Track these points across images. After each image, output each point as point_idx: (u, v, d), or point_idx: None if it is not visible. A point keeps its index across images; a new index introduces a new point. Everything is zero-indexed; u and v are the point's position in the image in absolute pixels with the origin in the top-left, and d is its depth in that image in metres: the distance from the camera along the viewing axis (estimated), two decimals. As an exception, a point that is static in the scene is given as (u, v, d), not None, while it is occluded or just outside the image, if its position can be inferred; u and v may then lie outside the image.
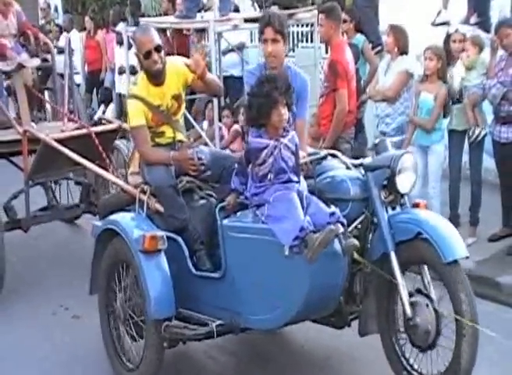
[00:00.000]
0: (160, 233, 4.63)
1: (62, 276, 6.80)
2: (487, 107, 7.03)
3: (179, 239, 4.78)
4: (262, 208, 4.30)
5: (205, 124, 9.77)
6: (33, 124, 7.06)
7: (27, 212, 6.53)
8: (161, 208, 4.90)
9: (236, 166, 4.67)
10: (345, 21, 7.71)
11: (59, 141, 6.09)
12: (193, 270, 4.71)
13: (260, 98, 4.29)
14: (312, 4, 10.05)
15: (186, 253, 4.74)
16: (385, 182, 4.44)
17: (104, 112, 12.22)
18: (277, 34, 4.89)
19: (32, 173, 6.35)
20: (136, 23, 11.05)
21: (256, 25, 9.36)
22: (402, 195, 4.48)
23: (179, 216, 4.84)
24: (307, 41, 10.59)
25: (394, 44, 7.19)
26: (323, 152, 4.71)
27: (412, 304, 4.27)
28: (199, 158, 4.84)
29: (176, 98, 5.07)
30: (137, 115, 4.91)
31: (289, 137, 4.38)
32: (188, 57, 10.83)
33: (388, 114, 7.16)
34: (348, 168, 4.68)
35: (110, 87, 12.85)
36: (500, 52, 7.01)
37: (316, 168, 4.62)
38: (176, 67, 5.04)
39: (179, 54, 10.50)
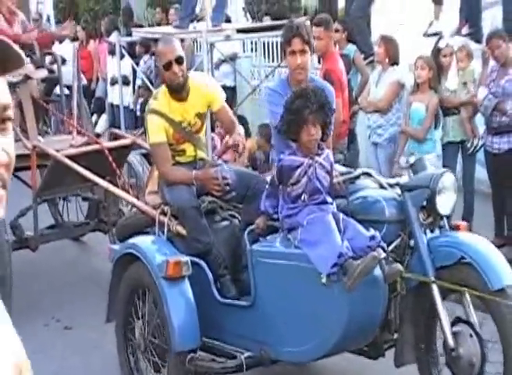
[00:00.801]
0: (184, 258, 4.32)
1: (65, 293, 6.55)
2: (479, 118, 7.09)
3: (203, 264, 4.46)
4: (295, 231, 4.00)
5: None
6: (40, 138, 6.75)
7: (35, 230, 6.20)
8: (183, 231, 4.59)
9: (264, 186, 4.42)
10: (337, 31, 7.69)
11: (70, 157, 5.77)
12: (219, 297, 4.39)
13: (290, 115, 4.03)
14: (305, 14, 10.05)
15: (211, 279, 4.43)
16: (423, 203, 4.14)
17: (96, 123, 11.93)
18: (305, 45, 4.60)
19: (41, 190, 6.03)
20: (129, 34, 11.05)
21: (248, 35, 9.65)
22: (441, 217, 4.19)
23: (203, 239, 4.53)
24: None
25: (385, 55, 7.18)
26: (357, 171, 4.41)
27: (454, 334, 3.97)
28: (223, 178, 4.52)
29: (200, 116, 4.77)
30: (157, 131, 4.61)
31: (324, 156, 4.09)
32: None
33: (380, 125, 7.12)
34: (382, 187, 4.38)
35: (102, 98, 12.54)
36: (492, 63, 7.04)
37: (348, 187, 4.32)
38: (203, 87, 4.75)
39: None
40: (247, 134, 9.02)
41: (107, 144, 6.03)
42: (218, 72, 10.52)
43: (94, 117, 12.43)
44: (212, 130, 8.84)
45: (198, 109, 4.75)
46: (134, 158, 6.53)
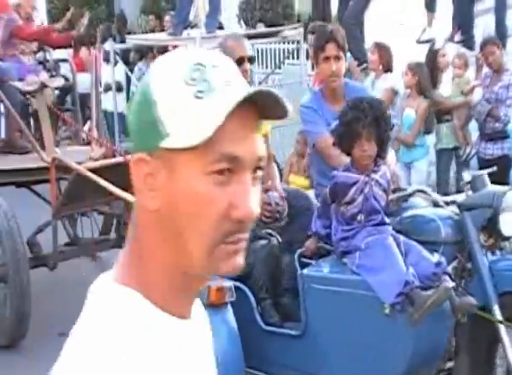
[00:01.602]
0: (227, 283, 3.95)
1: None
2: (473, 124, 7.11)
3: (245, 287, 4.10)
4: (352, 255, 3.64)
5: None
6: (57, 150, 6.39)
7: (55, 247, 5.81)
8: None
9: (308, 203, 4.19)
10: None
11: (93, 170, 5.39)
12: (263, 324, 4.03)
13: (342, 127, 3.69)
14: (298, 21, 10.13)
15: (254, 304, 4.07)
16: (484, 223, 3.79)
17: (90, 130, 11.66)
18: (340, 51, 4.27)
19: (61, 206, 5.65)
20: (123, 40, 11.01)
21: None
22: (503, 238, 3.84)
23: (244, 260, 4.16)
24: (293, 58, 10.44)
25: (379, 62, 7.24)
26: (411, 188, 4.06)
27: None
28: (276, 204, 4.16)
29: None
30: None
31: (380, 173, 3.74)
32: None
33: None
34: (437, 205, 4.03)
35: None
36: (485, 70, 7.13)
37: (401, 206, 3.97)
38: None
39: None
40: None
41: (130, 156, 5.63)
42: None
43: (88, 124, 12.20)
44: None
45: None
46: None
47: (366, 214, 3.67)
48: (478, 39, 8.32)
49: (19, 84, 6.66)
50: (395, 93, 7.14)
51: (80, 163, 5.63)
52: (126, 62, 10.76)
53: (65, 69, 8.09)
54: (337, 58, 4.23)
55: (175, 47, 10.23)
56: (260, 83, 10.19)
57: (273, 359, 4.02)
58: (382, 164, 3.77)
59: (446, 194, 6.70)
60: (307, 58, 7.80)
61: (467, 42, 9.00)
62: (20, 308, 5.42)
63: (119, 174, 5.41)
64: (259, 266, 4.23)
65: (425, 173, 7.06)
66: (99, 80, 7.52)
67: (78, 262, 6.43)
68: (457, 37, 9.19)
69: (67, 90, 7.75)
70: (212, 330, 3.72)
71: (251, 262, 4.17)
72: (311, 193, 4.53)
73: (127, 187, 5.33)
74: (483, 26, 9.29)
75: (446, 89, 7.28)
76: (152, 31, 11.89)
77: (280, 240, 4.38)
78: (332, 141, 4.20)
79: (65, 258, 6.00)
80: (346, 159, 4.13)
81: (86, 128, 10.66)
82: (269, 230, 4.45)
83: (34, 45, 7.70)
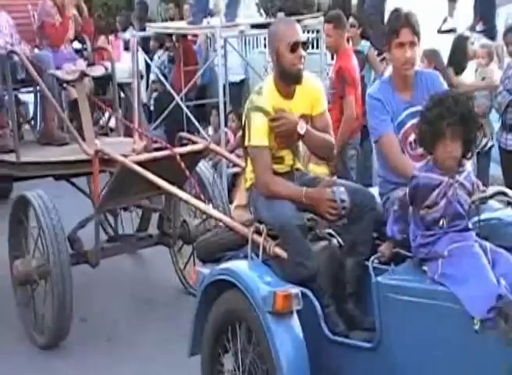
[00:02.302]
0: (294, 290, 3.64)
1: (123, 311, 5.94)
2: (494, 115, 6.98)
3: (310, 294, 3.79)
4: (433, 263, 3.31)
5: (210, 130, 9.58)
6: (96, 141, 6.10)
7: (97, 244, 5.53)
8: (283, 254, 3.92)
9: (373, 202, 3.88)
10: (353, 26, 7.62)
11: (139, 163, 5.09)
12: (329, 334, 3.72)
13: (425, 124, 3.38)
14: (318, 10, 9.85)
15: (319, 312, 3.74)
16: None
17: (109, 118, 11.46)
18: (415, 36, 3.95)
19: (105, 200, 5.36)
20: (143, 29, 10.81)
21: (262, 31, 9.24)
22: None
23: (308, 265, 3.85)
24: (312, 47, 10.21)
25: None
26: (492, 189, 3.72)
27: None
28: (341, 201, 3.84)
29: (305, 118, 4.11)
30: (262, 133, 3.93)
31: (465, 174, 3.41)
32: (194, 63, 10.70)
33: None
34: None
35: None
36: (507, 60, 6.99)
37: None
38: (310, 85, 4.12)
39: (185, 59, 10.23)
40: None
41: (178, 149, 5.33)
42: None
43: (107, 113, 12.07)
44: (225, 124, 8.77)
45: (304, 110, 4.09)
46: (203, 166, 5.84)
47: (449, 219, 3.34)
48: (500, 29, 8.26)
49: (58, 73, 6.36)
50: None
51: (124, 156, 5.34)
52: (146, 51, 10.64)
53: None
54: (412, 44, 3.93)
55: (194, 35, 10.25)
56: None
57: (341, 373, 3.71)
58: (467, 164, 3.44)
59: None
60: (329, 50, 7.58)
61: (489, 32, 8.85)
62: (62, 307, 5.14)
63: (166, 168, 5.15)
64: (321, 270, 3.93)
65: None
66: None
67: (118, 259, 6.14)
68: (479, 27, 9.02)
69: (105, 79, 7.43)
70: (276, 341, 3.43)
71: (315, 265, 3.88)
72: (375, 190, 4.21)
73: (174, 181, 5.04)
74: (505, 15, 9.09)
75: (468, 79, 7.17)
76: (171, 19, 11.69)
77: (342, 241, 4.09)
78: (396, 142, 3.92)
79: (107, 255, 5.72)
80: (409, 164, 3.85)
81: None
82: (330, 230, 4.15)
83: (71, 33, 7.39)
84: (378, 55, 8.10)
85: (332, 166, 6.06)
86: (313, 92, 4.11)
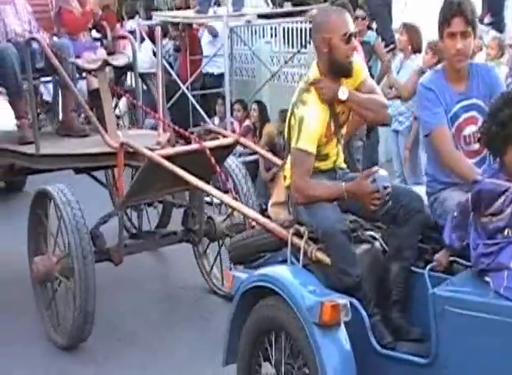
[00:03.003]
0: (342, 300, 3.37)
1: (147, 311, 5.66)
2: None
3: (356, 303, 3.52)
4: (497, 274, 3.04)
5: (216, 120, 9.44)
6: (119, 133, 5.82)
7: (120, 241, 5.25)
8: (326, 259, 3.65)
9: (420, 204, 3.65)
10: (362, 18, 7.60)
11: (167, 157, 4.81)
12: (378, 347, 3.45)
13: (494, 125, 3.09)
14: (325, 1, 9.69)
15: (367, 322, 3.48)
16: None
17: (116, 105, 11.23)
18: (468, 26, 3.66)
19: (130, 196, 5.09)
20: (149, 18, 10.73)
21: (269, 21, 9.57)
22: None
23: (353, 272, 3.58)
24: None
25: (408, 43, 7.12)
26: None
27: None
28: (384, 187, 3.56)
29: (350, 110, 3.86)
30: (313, 138, 3.67)
31: None
32: (199, 52, 10.42)
33: (401, 112, 6.98)
34: None
35: (122, 80, 11.79)
36: None
37: None
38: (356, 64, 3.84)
39: (190, 48, 10.08)
40: (266, 119, 8.95)
41: (208, 143, 5.05)
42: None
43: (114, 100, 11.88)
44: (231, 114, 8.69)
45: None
46: (232, 161, 5.55)
47: (514, 228, 3.08)
48: (509, 22, 8.44)
49: (79, 62, 6.08)
50: (423, 73, 6.77)
51: (150, 150, 5.07)
52: (152, 40, 10.19)
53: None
54: (464, 34, 3.64)
55: (201, 25, 10.19)
56: (286, 62, 9.98)
57: (391, 388, 3.45)
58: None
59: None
60: None
61: (497, 24, 8.79)
62: (84, 305, 4.87)
63: (193, 162, 4.88)
64: (363, 275, 3.67)
65: None
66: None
67: (137, 256, 5.85)
68: (487, 19, 8.96)
69: (122, 69, 7.13)
70: (323, 353, 3.17)
71: (359, 273, 3.61)
72: (421, 189, 3.93)
73: (201, 176, 4.76)
74: None
75: None
76: (178, 8, 11.48)
77: (386, 244, 3.81)
78: (450, 137, 3.65)
79: (130, 252, 5.44)
80: (464, 162, 3.58)
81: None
82: (372, 233, 3.87)
83: (90, 21, 7.08)
84: (386, 46, 8.02)
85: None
86: (356, 68, 3.83)
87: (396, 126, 7.04)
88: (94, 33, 7.20)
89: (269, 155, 5.19)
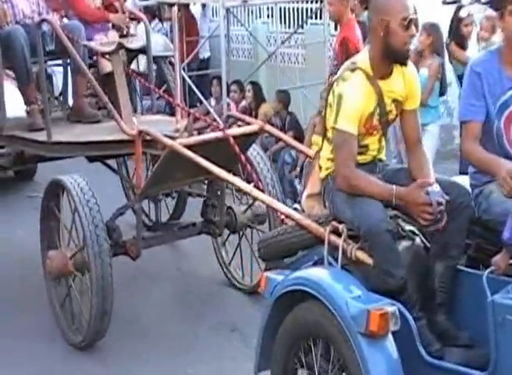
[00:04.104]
0: (390, 307, 3.06)
1: (165, 307, 5.36)
2: None
3: (402, 308, 3.21)
4: None
5: (212, 101, 9.35)
6: (134, 120, 5.48)
7: (138, 233, 4.93)
8: (368, 260, 3.34)
9: (468, 199, 3.35)
10: None
11: (188, 146, 4.48)
12: (426, 356, 3.13)
13: None
14: None
15: (414, 329, 3.17)
16: None
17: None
18: None
19: (149, 186, 4.77)
20: None
21: (265, 1, 9.53)
22: None
23: (397, 273, 3.26)
24: (315, 17, 10.00)
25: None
26: None
27: None
28: (439, 204, 3.24)
29: (397, 104, 3.51)
30: (353, 118, 3.35)
31: None
32: (195, 33, 10.17)
33: None
34: None
35: None
36: None
37: None
38: (411, 69, 3.54)
39: (186, 30, 9.77)
40: (262, 100, 8.87)
41: (231, 131, 4.71)
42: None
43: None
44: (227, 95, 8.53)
45: (397, 95, 3.49)
46: (254, 150, 5.20)
47: None
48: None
49: (92, 44, 5.73)
50: (419, 54, 6.85)
51: (170, 137, 4.74)
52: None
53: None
54: None
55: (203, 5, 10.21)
56: (283, 42, 9.85)
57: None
58: None
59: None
60: (332, 19, 7.55)
61: (494, 3, 8.37)
62: (101, 302, 4.57)
63: (215, 151, 4.55)
64: (406, 276, 3.36)
65: (436, 138, 6.92)
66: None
67: (152, 248, 5.45)
68: None
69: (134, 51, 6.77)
70: (369, 364, 2.86)
71: (403, 274, 3.30)
72: (464, 180, 3.61)
73: (223, 166, 4.44)
74: None
75: (471, 52, 7.03)
76: None
77: (429, 241, 3.49)
78: (478, 135, 3.35)
79: (148, 245, 5.11)
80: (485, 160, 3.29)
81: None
82: (412, 228, 3.55)
83: (99, 1, 6.72)
84: None
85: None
86: (411, 78, 3.53)
87: None
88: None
89: (296, 143, 4.84)
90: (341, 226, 3.45)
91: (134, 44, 5.83)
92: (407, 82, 3.52)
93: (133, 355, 4.76)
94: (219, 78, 8.69)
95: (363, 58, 3.46)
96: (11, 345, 4.88)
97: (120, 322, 5.00)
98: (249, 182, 4.46)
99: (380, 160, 3.67)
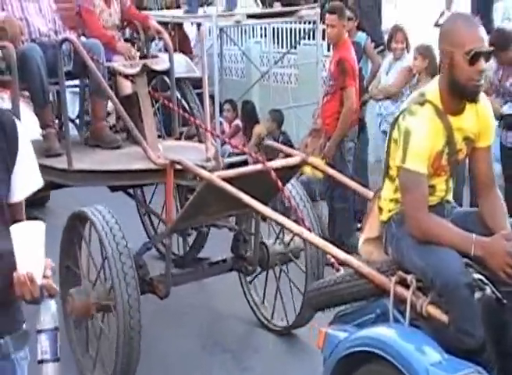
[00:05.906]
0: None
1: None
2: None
3: (483, 371, 2.85)
4: None
5: None
6: (160, 147, 5.11)
7: (168, 271, 4.54)
8: (442, 317, 2.99)
9: None
10: (350, 19, 7.38)
11: (226, 179, 4.10)
12: None
13: None
14: (315, 1, 9.85)
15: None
16: None
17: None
18: None
19: (182, 220, 4.39)
20: None
21: (258, 21, 9.22)
22: None
23: (477, 333, 2.92)
24: (308, 38, 10.08)
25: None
26: None
27: None
28: None
29: (468, 142, 3.19)
30: (423, 157, 3.05)
31: None
32: (189, 51, 9.73)
33: (391, 112, 6.77)
34: None
35: None
36: None
37: None
38: (484, 104, 3.21)
39: (180, 48, 9.42)
40: (254, 119, 8.89)
41: (272, 163, 4.34)
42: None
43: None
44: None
45: (469, 132, 3.18)
46: (292, 184, 4.82)
47: None
48: (497, 23, 8.11)
49: (115, 65, 5.37)
50: (411, 72, 6.81)
51: (203, 167, 4.38)
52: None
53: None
54: None
55: (198, 25, 9.55)
56: (275, 62, 9.90)
57: None
58: None
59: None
60: (324, 38, 7.64)
61: (486, 26, 8.44)
62: (128, 345, 4.16)
63: (252, 183, 4.19)
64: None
65: None
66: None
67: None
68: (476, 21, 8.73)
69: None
70: None
71: (482, 334, 2.95)
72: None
73: (259, 199, 4.07)
74: (502, 10, 9.00)
75: None
76: (168, 8, 11.31)
77: (497, 290, 3.15)
78: None
79: (176, 283, 4.71)
80: None
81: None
82: (481, 276, 3.20)
83: (118, 18, 6.35)
84: (375, 47, 7.91)
85: (330, 159, 6.10)
86: (484, 112, 3.22)
87: (385, 127, 6.79)
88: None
89: (345, 178, 4.43)
90: (409, 277, 3.10)
91: (160, 65, 5.47)
92: (480, 117, 3.21)
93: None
94: (212, 97, 8.35)
95: (432, 89, 3.14)
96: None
97: (144, 361, 4.58)
98: (286, 217, 4.10)
99: (448, 202, 3.34)
